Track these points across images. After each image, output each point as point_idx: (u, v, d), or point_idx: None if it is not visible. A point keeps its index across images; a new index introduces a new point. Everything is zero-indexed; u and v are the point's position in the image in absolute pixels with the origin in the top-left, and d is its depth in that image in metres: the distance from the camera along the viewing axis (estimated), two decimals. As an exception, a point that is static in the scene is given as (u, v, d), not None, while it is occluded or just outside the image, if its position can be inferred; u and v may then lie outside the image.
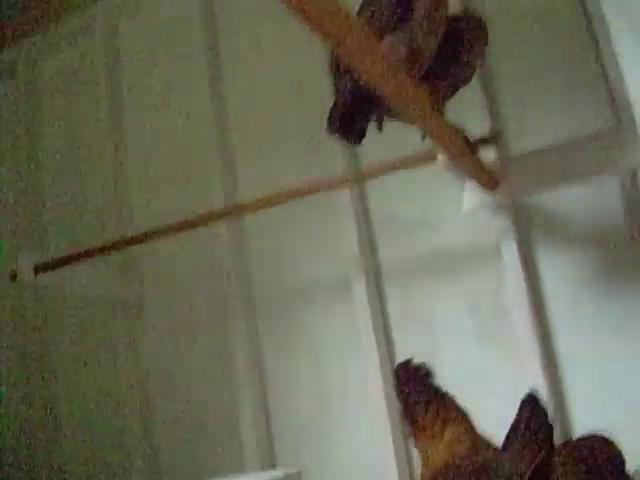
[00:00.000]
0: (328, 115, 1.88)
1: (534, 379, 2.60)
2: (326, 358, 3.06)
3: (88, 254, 2.93)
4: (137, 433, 3.33)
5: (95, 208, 3.59)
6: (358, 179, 2.75)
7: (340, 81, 1.85)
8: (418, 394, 1.76)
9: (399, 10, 1.70)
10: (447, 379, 2.80)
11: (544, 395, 2.54)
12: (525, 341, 2.64)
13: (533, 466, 1.33)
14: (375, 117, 1.98)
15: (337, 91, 1.87)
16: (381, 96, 1.58)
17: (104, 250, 2.90)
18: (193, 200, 3.27)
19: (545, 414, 1.49)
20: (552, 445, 1.47)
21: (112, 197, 3.51)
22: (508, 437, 1.52)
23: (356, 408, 2.94)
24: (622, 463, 1.74)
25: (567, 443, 1.93)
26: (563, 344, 2.67)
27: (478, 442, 1.61)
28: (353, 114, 1.85)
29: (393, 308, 2.96)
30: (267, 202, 2.56)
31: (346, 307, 2.99)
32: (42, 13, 3.90)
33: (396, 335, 2.94)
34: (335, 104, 1.86)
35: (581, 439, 1.85)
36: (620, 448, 1.78)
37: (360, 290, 2.93)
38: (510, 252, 2.68)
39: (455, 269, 2.86)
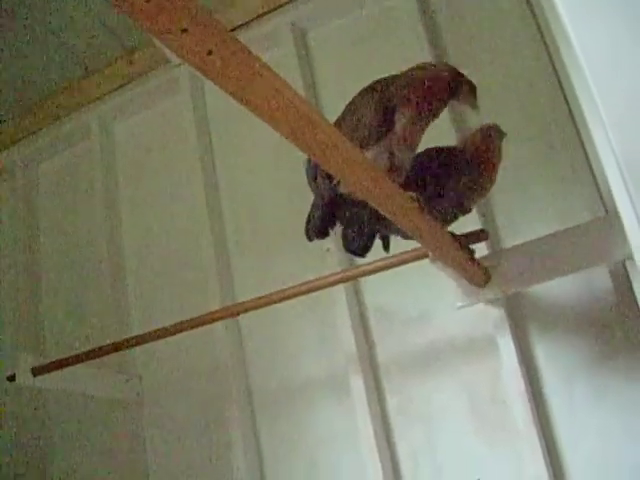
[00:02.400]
0: (306, 220, 1.96)
1: (535, 468, 2.60)
2: (325, 455, 3.05)
3: (86, 356, 2.93)
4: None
5: (92, 309, 3.62)
6: (352, 278, 2.78)
7: (318, 186, 1.92)
8: None
9: (380, 125, 1.77)
10: (447, 470, 2.82)
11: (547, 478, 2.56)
12: (525, 430, 2.63)
13: None
14: (380, 236, 2.07)
15: (315, 195, 1.94)
16: (363, 201, 1.64)
17: (101, 352, 2.91)
18: (190, 299, 3.31)
19: None
20: None
21: (109, 298, 3.54)
22: None
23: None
24: None
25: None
26: (563, 430, 2.67)
27: None
28: (331, 218, 1.93)
29: (391, 402, 2.96)
30: (262, 302, 2.58)
31: (344, 402, 2.99)
32: (39, 117, 4.00)
33: (395, 429, 2.94)
34: (312, 209, 1.94)
35: None
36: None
37: (358, 385, 2.92)
38: (506, 342, 2.70)
39: (452, 361, 2.88)
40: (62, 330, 3.67)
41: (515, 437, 2.68)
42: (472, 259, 2.27)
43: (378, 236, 2.12)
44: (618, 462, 2.55)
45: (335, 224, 1.94)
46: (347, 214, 1.94)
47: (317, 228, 1.91)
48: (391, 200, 1.65)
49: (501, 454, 2.74)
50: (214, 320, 2.75)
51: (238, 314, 2.80)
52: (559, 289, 2.71)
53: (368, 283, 3.04)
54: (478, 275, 2.38)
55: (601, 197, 2.65)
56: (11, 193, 4.07)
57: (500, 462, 2.74)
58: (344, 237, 2.04)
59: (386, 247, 2.14)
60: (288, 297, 2.54)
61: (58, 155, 4.08)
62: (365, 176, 1.49)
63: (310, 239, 1.96)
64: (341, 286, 2.96)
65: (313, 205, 1.94)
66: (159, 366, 3.44)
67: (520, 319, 2.77)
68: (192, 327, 2.71)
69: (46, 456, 3.59)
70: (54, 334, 3.70)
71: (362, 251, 2.07)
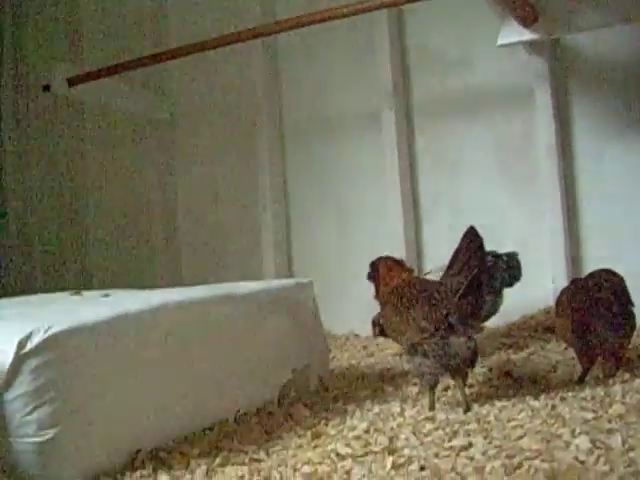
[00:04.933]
0: None
1: (552, 223, 2.66)
2: (349, 187, 3.11)
3: (122, 67, 2.92)
4: (162, 240, 3.49)
5: (132, 21, 3.55)
6: (394, 5, 2.67)
7: None
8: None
9: None
10: (466, 215, 2.85)
11: (562, 236, 2.60)
12: (549, 185, 2.66)
13: (467, 280, 1.66)
14: None
15: None
16: None
17: (138, 63, 2.89)
18: (229, 16, 3.22)
19: (481, 243, 1.74)
20: (485, 267, 1.80)
21: (149, 10, 3.49)
22: (451, 261, 1.77)
23: (374, 238, 3.01)
24: (624, 291, 1.87)
25: (576, 280, 2.05)
26: (587, 193, 2.70)
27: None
28: None
29: (420, 143, 2.97)
30: (301, 21, 2.51)
31: (374, 139, 3.01)
32: None
33: (420, 169, 2.97)
34: None
35: (590, 274, 1.99)
36: (624, 279, 1.89)
37: (389, 124, 2.93)
38: (543, 95, 2.66)
39: (487, 109, 2.85)
40: (100, 42, 3.60)
41: (538, 192, 2.71)
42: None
43: None
44: (632, 220, 2.60)
45: None
46: None
47: None
48: None
49: (522, 206, 2.78)
50: (252, 37, 2.69)
51: (276, 32, 2.74)
52: (606, 44, 2.62)
53: (412, 20, 2.95)
54: (526, 12, 2.30)
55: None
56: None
57: (520, 214, 2.78)
58: None
59: None
60: (328, 18, 2.47)
61: None
62: None
63: None
64: (384, 19, 2.89)
65: None
66: (193, 87, 3.43)
67: (561, 74, 2.70)
68: (229, 42, 2.67)
69: (79, 167, 3.65)
70: (92, 46, 3.65)
71: None
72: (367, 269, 2.01)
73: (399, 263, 1.96)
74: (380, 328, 2.20)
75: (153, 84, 3.43)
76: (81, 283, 3.20)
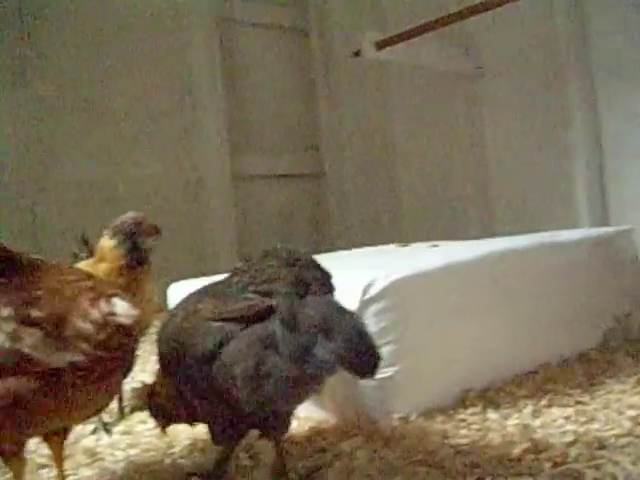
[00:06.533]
0: None
1: None
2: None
3: (425, 28, 3.01)
4: (473, 193, 3.56)
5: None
6: None
7: None
8: None
9: None
10: None
11: None
12: None
13: None
14: None
15: None
16: None
17: (442, 22, 2.96)
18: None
19: None
20: None
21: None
22: None
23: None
24: None
25: None
26: None
27: None
28: None
29: None
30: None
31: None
32: None
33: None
34: None
35: None
36: None
37: None
38: None
39: None
40: (403, 5, 3.73)
41: None
42: None
43: None
44: None
45: None
46: None
47: None
48: None
49: None
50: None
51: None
52: None
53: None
54: None
55: None
56: None
57: None
58: None
59: None
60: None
61: None
62: None
63: None
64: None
65: None
66: (499, 38, 3.41)
67: None
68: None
69: (387, 128, 3.81)
70: (395, 10, 3.78)
71: None
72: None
73: None
74: None
75: (459, 39, 3.48)
76: (395, 236, 3.35)
